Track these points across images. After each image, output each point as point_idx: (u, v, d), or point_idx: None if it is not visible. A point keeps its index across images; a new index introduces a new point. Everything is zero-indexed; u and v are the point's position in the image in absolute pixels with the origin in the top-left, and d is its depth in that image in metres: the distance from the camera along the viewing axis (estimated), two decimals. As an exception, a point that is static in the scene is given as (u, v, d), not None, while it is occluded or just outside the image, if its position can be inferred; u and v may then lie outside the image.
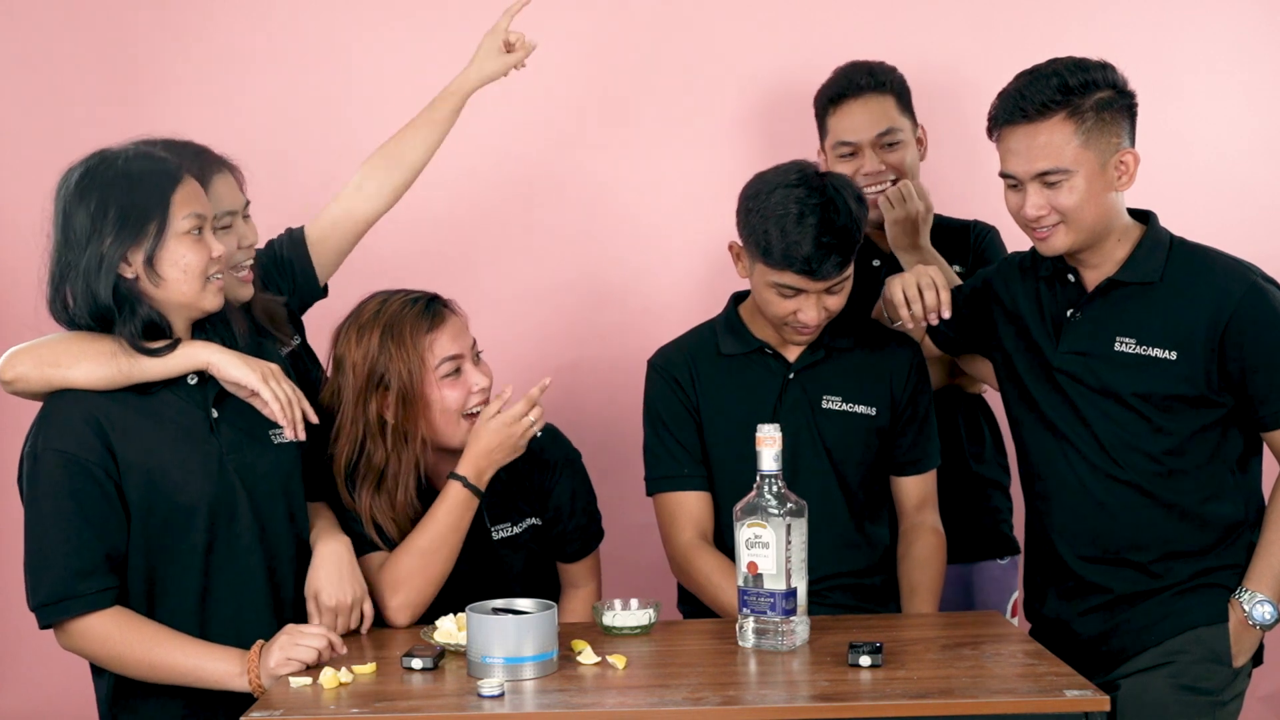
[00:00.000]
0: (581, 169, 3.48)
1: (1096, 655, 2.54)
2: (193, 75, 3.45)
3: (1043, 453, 2.59)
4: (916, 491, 2.79)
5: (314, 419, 2.41)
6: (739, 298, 2.80)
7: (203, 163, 2.53)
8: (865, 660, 2.17)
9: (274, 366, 2.38)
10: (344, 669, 2.19)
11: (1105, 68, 2.46)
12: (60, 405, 2.30)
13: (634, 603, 2.44)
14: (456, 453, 2.56)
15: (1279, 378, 2.45)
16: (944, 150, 3.18)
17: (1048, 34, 3.42)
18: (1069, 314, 2.55)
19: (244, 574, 2.38)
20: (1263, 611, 2.47)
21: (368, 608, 2.45)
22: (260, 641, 2.31)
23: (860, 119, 2.99)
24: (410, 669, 2.22)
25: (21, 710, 3.45)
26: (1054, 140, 2.42)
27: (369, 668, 2.23)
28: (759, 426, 2.29)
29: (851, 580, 2.69)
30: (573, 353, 3.43)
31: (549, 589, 2.72)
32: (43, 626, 2.33)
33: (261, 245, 2.71)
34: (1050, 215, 2.46)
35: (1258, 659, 2.56)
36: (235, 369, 2.33)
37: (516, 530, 2.66)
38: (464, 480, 2.52)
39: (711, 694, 2.08)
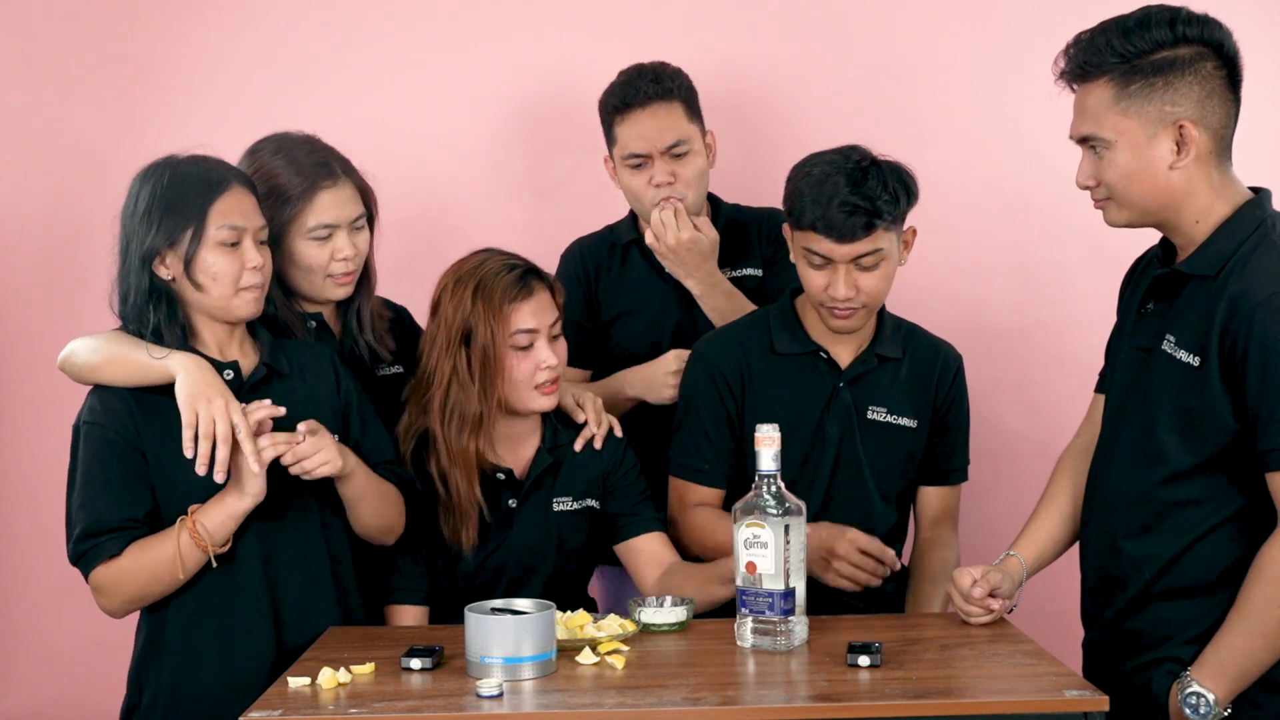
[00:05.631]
0: (581, 169, 3.48)
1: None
2: (193, 75, 3.45)
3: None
4: (939, 503, 2.79)
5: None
6: (797, 291, 2.77)
7: (319, 174, 2.60)
8: (864, 660, 2.17)
9: (224, 401, 2.32)
10: (343, 669, 2.19)
11: (1189, 22, 2.15)
12: (106, 388, 2.40)
13: (668, 600, 2.47)
14: (526, 416, 2.67)
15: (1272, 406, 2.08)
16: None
17: (1047, 33, 3.41)
18: (1142, 307, 2.30)
19: (243, 582, 2.42)
20: (1196, 703, 2.13)
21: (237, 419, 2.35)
22: (194, 509, 2.35)
23: (649, 128, 2.90)
24: (409, 669, 2.22)
25: (21, 710, 3.46)
26: (1090, 104, 2.18)
27: (368, 668, 2.23)
28: (758, 426, 2.28)
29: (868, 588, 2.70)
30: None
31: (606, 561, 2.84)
32: (79, 568, 2.41)
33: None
34: (1099, 188, 2.21)
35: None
36: (181, 389, 2.34)
37: (576, 506, 2.72)
38: None
39: (711, 694, 2.08)
